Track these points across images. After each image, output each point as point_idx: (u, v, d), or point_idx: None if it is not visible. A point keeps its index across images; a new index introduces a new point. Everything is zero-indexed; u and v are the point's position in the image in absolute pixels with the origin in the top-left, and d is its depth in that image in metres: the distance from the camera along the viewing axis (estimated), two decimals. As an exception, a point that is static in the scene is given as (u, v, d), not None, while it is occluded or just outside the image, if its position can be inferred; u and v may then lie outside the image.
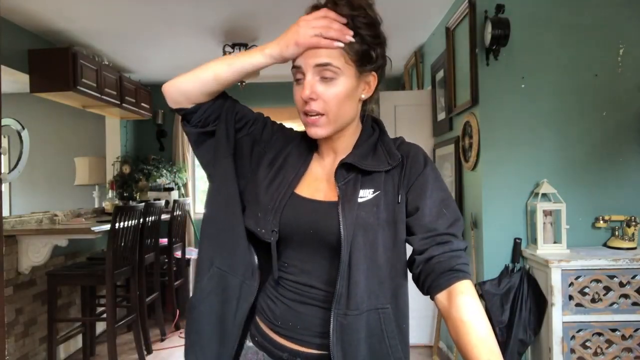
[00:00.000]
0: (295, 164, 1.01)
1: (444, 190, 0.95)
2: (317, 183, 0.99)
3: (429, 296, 0.90)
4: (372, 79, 0.96)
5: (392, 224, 0.92)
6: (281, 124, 1.11)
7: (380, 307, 0.91)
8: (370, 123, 1.02)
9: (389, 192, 0.93)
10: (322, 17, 0.88)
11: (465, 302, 0.83)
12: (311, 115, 0.92)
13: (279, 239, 0.96)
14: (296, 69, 0.92)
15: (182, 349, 3.88)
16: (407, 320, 0.96)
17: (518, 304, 2.33)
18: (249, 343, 1.04)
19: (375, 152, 0.97)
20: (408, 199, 0.94)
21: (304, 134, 1.04)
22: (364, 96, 0.96)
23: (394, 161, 0.95)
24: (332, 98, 0.90)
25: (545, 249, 2.38)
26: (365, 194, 0.92)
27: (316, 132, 0.93)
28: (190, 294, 5.06)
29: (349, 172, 0.94)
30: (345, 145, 0.99)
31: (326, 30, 0.87)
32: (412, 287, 0.95)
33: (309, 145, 1.04)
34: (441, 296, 0.86)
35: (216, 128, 1.02)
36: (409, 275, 0.96)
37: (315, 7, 0.92)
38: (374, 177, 0.94)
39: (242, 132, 1.04)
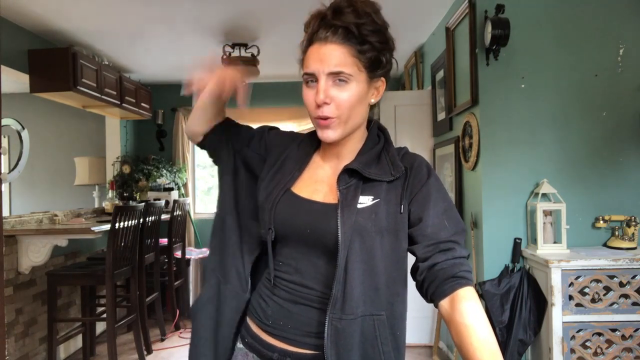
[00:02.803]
0: (294, 164, 1.03)
1: (446, 201, 0.96)
2: (317, 185, 1.00)
3: (432, 303, 0.90)
4: (381, 84, 0.98)
5: (393, 232, 0.93)
6: (278, 130, 1.15)
7: (375, 313, 0.92)
8: (376, 131, 1.03)
9: (390, 201, 0.94)
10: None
11: (468, 307, 0.84)
12: (323, 119, 0.93)
13: (277, 238, 0.98)
14: (308, 75, 0.93)
15: (182, 349, 3.86)
16: (402, 328, 0.97)
17: (518, 304, 2.33)
18: (239, 345, 1.05)
19: (379, 161, 0.98)
20: (411, 210, 0.94)
21: (306, 136, 1.07)
22: (373, 101, 0.98)
23: (397, 172, 0.95)
24: (345, 101, 0.91)
25: (545, 249, 2.38)
26: (364, 201, 0.93)
27: (328, 135, 0.94)
28: (191, 294, 5.05)
29: (351, 178, 0.95)
30: (349, 151, 1.00)
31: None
32: (412, 287, 0.95)
33: (309, 147, 1.05)
34: (444, 302, 0.87)
35: (222, 151, 1.13)
36: (410, 284, 0.96)
37: (317, 14, 0.94)
38: (375, 186, 0.95)
39: (249, 150, 1.10)
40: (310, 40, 0.94)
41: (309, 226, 0.94)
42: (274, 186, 1.00)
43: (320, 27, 0.92)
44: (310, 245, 0.95)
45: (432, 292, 0.89)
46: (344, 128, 0.94)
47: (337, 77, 0.90)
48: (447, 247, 0.90)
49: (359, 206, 0.92)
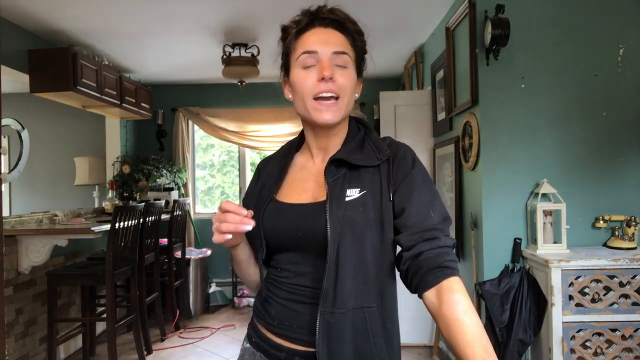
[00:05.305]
0: (275, 174, 1.05)
1: (431, 191, 0.95)
2: (304, 185, 1.01)
3: (416, 294, 0.89)
4: (359, 83, 1.03)
5: (380, 224, 0.93)
6: (260, 162, 1.16)
7: (366, 305, 0.91)
8: (355, 124, 1.06)
9: (375, 192, 0.94)
10: (223, 214, 0.90)
11: (455, 300, 0.83)
12: (326, 99, 0.94)
13: (273, 247, 0.99)
14: (310, 53, 0.95)
15: (182, 349, 3.86)
16: (392, 321, 0.96)
17: (518, 304, 2.33)
18: (246, 344, 1.05)
19: (363, 147, 0.99)
20: (395, 201, 0.94)
21: (280, 148, 1.12)
22: (357, 96, 1.02)
23: (383, 156, 0.96)
24: (346, 82, 0.96)
25: (545, 249, 2.38)
26: (352, 193, 0.93)
27: (327, 117, 0.96)
28: (191, 295, 5.06)
29: (339, 169, 0.96)
30: (336, 143, 1.01)
31: (227, 226, 0.89)
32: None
33: (287, 154, 1.08)
34: (430, 294, 0.86)
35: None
36: (398, 275, 0.96)
37: (307, 11, 0.99)
38: (361, 175, 0.95)
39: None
40: (304, 29, 0.98)
41: (300, 229, 0.95)
42: (257, 200, 1.03)
43: (316, 19, 0.97)
44: (306, 247, 0.95)
45: (417, 282, 0.88)
46: (342, 111, 0.96)
47: (340, 58, 0.95)
48: (431, 235, 0.89)
49: (347, 199, 0.92)
